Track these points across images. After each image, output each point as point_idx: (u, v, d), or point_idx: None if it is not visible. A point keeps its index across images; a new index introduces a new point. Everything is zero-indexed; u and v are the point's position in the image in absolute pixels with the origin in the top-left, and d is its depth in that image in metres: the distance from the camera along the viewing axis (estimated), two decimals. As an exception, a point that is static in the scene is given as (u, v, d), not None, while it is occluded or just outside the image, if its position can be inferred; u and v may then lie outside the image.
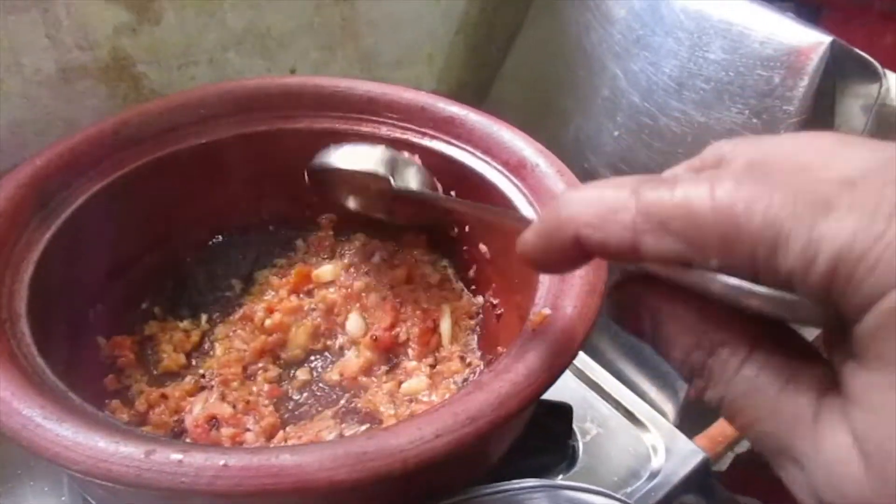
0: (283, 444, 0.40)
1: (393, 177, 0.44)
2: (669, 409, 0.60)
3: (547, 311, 0.35)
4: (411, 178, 0.45)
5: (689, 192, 0.20)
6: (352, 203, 0.50)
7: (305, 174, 0.47)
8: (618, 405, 0.53)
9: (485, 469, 0.37)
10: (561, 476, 0.48)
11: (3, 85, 0.53)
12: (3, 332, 0.33)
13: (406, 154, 0.48)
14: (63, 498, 0.45)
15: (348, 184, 0.48)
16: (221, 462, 0.27)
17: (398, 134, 0.50)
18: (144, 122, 0.46)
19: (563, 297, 0.36)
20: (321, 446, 0.28)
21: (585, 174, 0.64)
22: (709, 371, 0.22)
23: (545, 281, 0.39)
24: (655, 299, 0.23)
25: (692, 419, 0.58)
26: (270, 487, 0.27)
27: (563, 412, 0.47)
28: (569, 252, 0.23)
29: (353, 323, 0.49)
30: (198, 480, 0.27)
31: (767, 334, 0.21)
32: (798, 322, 0.21)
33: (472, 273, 0.51)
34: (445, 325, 0.48)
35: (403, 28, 0.74)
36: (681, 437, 0.51)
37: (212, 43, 0.62)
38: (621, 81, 0.62)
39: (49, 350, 0.36)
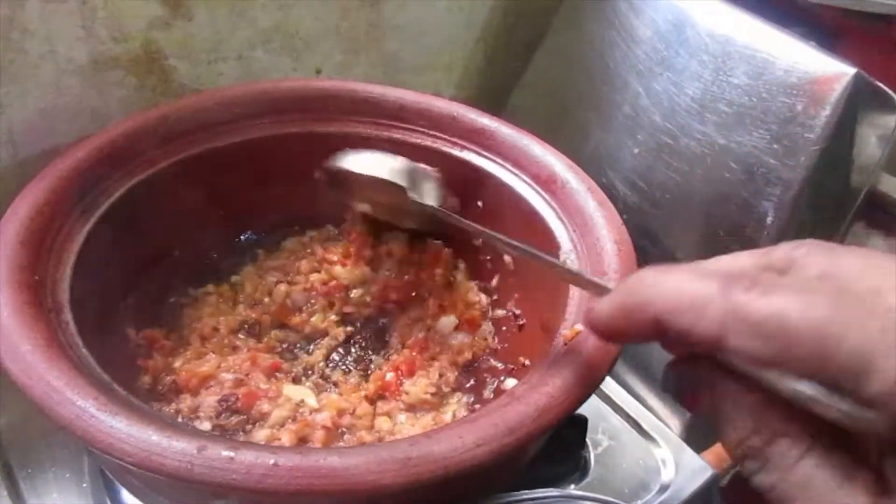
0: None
1: (410, 188, 0.45)
2: (675, 424, 0.61)
3: (579, 326, 0.36)
4: (428, 193, 0.46)
5: (784, 304, 0.21)
6: (365, 208, 0.51)
7: (322, 172, 0.48)
8: (628, 418, 0.54)
9: (512, 477, 0.38)
10: (573, 486, 0.49)
11: (37, 72, 0.54)
12: (50, 322, 0.34)
13: (426, 167, 0.48)
14: (84, 485, 0.45)
15: (364, 189, 0.49)
16: (271, 461, 0.28)
17: (428, 142, 0.51)
18: (182, 118, 0.47)
19: (596, 313, 0.37)
20: (367, 450, 0.29)
21: (603, 188, 0.65)
22: (765, 457, 0.23)
23: (574, 297, 0.40)
24: (720, 380, 0.24)
25: (697, 435, 0.59)
26: (317, 488, 0.28)
27: (578, 423, 0.48)
28: (645, 331, 0.24)
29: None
30: (248, 478, 0.27)
31: (826, 431, 0.22)
32: (856, 429, 0.22)
33: (494, 282, 0.52)
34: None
35: (426, 34, 0.75)
36: (689, 452, 0.52)
37: (241, 40, 0.63)
38: (643, 100, 0.63)
39: (87, 340, 0.36)
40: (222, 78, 0.63)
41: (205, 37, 0.61)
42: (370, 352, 0.50)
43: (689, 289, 0.23)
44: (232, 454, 0.28)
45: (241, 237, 0.53)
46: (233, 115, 0.49)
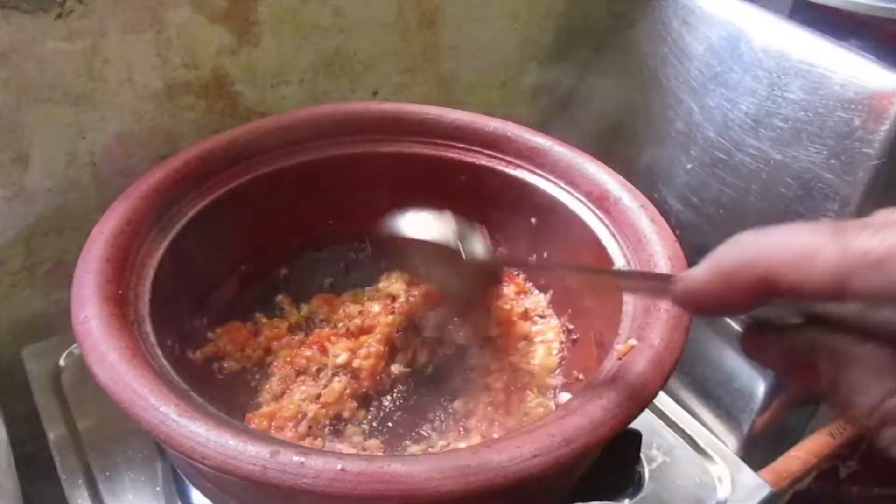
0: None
1: (461, 246, 0.44)
2: (732, 441, 0.61)
3: (633, 341, 0.37)
4: (478, 247, 0.45)
5: None
6: (421, 270, 0.49)
7: (368, 242, 0.49)
8: (683, 434, 0.54)
9: (567, 489, 0.38)
10: (627, 501, 0.50)
11: (116, 99, 0.57)
12: (132, 333, 0.37)
13: (471, 224, 0.48)
14: (158, 488, 0.48)
15: (417, 252, 0.47)
16: (339, 466, 0.29)
17: (483, 161, 0.52)
18: (252, 140, 0.50)
19: (649, 329, 0.37)
20: (429, 458, 0.30)
21: (655, 204, 0.66)
22: None
23: (628, 312, 0.40)
24: (841, 342, 0.23)
25: (754, 452, 0.59)
26: (381, 493, 0.29)
27: (632, 438, 0.49)
28: (749, 294, 0.23)
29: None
30: (317, 482, 0.29)
31: None
32: None
33: (548, 298, 0.52)
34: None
35: (481, 54, 0.76)
36: (746, 470, 0.52)
37: (303, 64, 0.65)
38: (696, 116, 0.64)
39: (164, 351, 0.39)
40: (285, 101, 0.66)
41: (269, 62, 0.64)
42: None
43: (798, 240, 0.22)
44: (302, 459, 0.29)
45: (304, 253, 0.55)
46: (300, 137, 0.51)
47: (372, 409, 0.48)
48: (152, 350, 0.37)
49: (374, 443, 0.45)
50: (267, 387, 0.48)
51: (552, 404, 0.47)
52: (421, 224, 0.45)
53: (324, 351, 0.50)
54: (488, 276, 0.48)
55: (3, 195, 0.55)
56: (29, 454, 0.53)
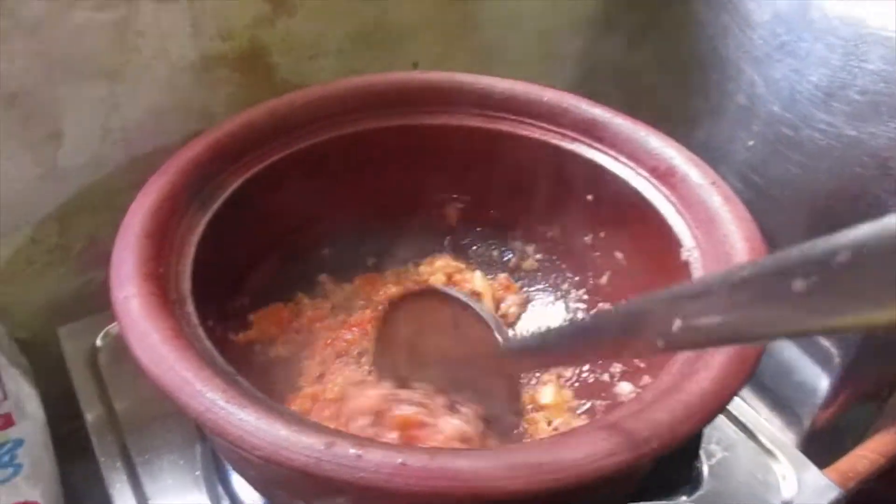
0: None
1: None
2: (791, 438, 0.58)
3: (711, 329, 0.34)
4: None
5: None
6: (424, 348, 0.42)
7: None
8: (745, 429, 0.51)
9: (634, 486, 0.36)
10: (685, 497, 0.47)
11: (149, 71, 0.55)
12: (174, 314, 0.35)
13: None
14: (197, 472, 0.46)
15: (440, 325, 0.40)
16: (399, 461, 0.27)
17: (537, 135, 0.49)
18: (292, 112, 0.47)
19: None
20: (497, 454, 0.28)
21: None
22: None
23: (701, 296, 0.37)
24: None
25: (817, 450, 0.55)
26: (445, 490, 0.27)
27: (693, 431, 0.46)
28: None
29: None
30: (376, 476, 0.27)
31: None
32: None
33: (604, 280, 0.50)
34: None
35: (523, 25, 0.73)
36: (812, 469, 0.49)
37: (341, 35, 0.63)
38: (760, 88, 0.60)
39: (207, 332, 0.37)
40: (322, 73, 0.63)
41: (306, 32, 0.61)
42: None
43: None
44: (360, 452, 0.27)
45: (345, 230, 0.53)
46: (340, 109, 0.49)
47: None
48: (195, 331, 0.35)
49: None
50: (307, 369, 0.46)
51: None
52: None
53: (366, 334, 0.48)
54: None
55: (37, 172, 0.54)
56: (66, 434, 0.52)
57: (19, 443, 0.47)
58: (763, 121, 0.59)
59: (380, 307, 0.48)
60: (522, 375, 0.44)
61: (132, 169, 0.57)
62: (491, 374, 0.37)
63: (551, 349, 0.32)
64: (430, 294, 0.40)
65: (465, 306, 0.37)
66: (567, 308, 0.52)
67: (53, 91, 0.51)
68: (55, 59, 0.50)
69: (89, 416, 0.49)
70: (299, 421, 0.29)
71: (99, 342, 0.54)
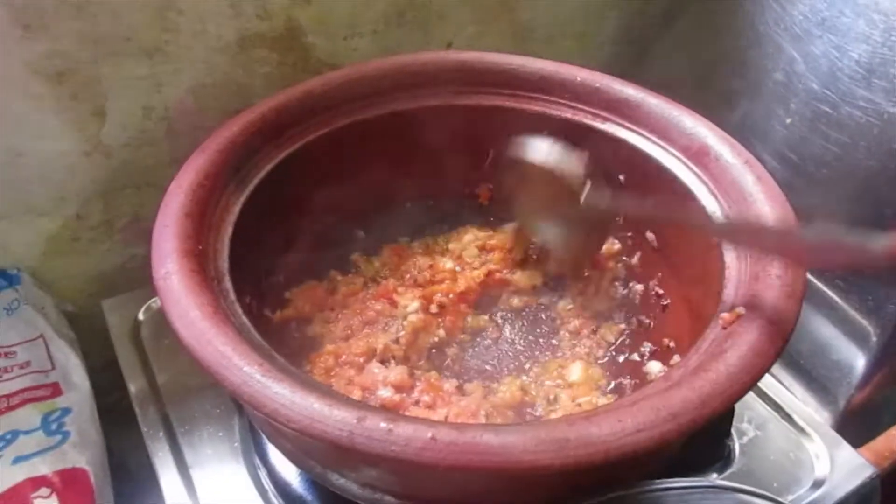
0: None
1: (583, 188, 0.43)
2: (826, 418, 0.57)
3: (741, 310, 0.34)
4: (595, 192, 0.44)
5: None
6: (529, 207, 0.49)
7: (490, 155, 0.47)
8: (777, 408, 0.51)
9: (664, 463, 0.36)
10: (716, 475, 0.47)
11: (189, 51, 0.56)
12: (212, 290, 0.36)
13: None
14: (235, 444, 0.48)
15: (533, 180, 0.46)
16: (429, 435, 0.28)
17: (569, 115, 0.49)
18: (326, 93, 0.48)
19: (759, 297, 0.34)
20: (525, 429, 0.28)
21: (748, 162, 0.62)
22: None
23: (731, 278, 0.37)
24: None
25: (851, 429, 0.55)
26: (474, 464, 0.28)
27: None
28: None
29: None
30: (406, 450, 0.28)
31: None
32: None
33: (635, 260, 0.50)
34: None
35: (558, 4, 0.72)
36: (846, 448, 0.49)
37: (376, 15, 0.63)
38: (799, 65, 0.59)
39: (245, 308, 0.38)
40: (356, 53, 0.63)
41: (342, 13, 0.61)
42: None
43: None
44: (391, 426, 0.28)
45: (377, 209, 0.54)
46: (375, 89, 0.49)
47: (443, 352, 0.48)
48: (232, 307, 0.36)
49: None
50: (332, 333, 0.47)
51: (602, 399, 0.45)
52: (550, 152, 0.44)
53: (393, 304, 0.49)
54: (598, 226, 0.46)
55: (82, 149, 0.55)
56: (113, 404, 0.54)
57: (67, 411, 0.49)
58: (801, 98, 0.58)
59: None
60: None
61: (172, 147, 0.59)
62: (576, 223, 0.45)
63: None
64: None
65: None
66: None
67: (97, 69, 0.53)
68: (98, 37, 0.51)
69: (132, 388, 0.51)
70: (332, 395, 0.30)
71: (141, 316, 0.56)
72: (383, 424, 0.28)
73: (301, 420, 0.29)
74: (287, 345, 0.46)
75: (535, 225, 0.49)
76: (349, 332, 0.47)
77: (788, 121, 0.59)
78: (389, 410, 0.31)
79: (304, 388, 0.30)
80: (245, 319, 0.36)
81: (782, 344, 0.32)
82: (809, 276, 0.59)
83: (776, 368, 0.61)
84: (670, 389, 0.30)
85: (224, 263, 0.38)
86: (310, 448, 0.34)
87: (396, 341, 0.46)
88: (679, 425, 0.29)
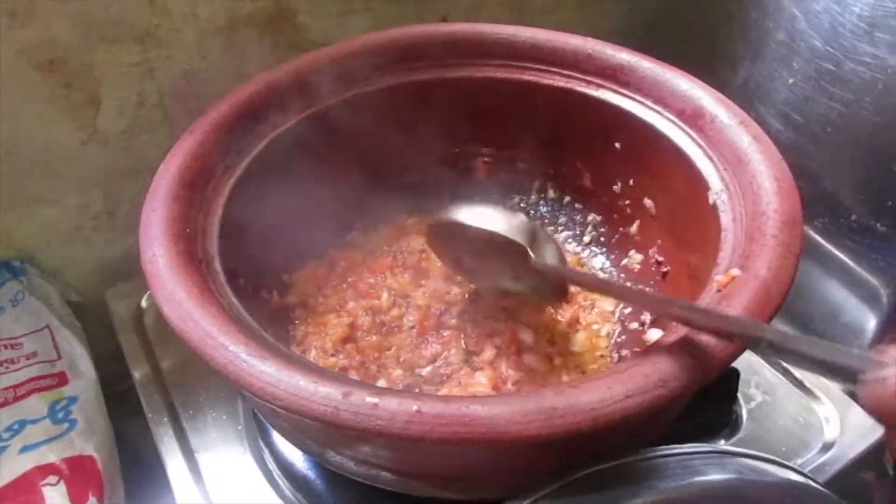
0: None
1: (531, 249, 0.40)
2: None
3: (736, 271, 0.33)
4: (549, 255, 0.40)
5: None
6: (469, 264, 0.46)
7: (431, 226, 0.45)
8: (786, 372, 0.50)
9: (660, 431, 0.36)
10: (723, 442, 0.47)
11: (180, 35, 0.56)
12: (201, 271, 0.36)
13: (544, 229, 0.47)
14: (239, 427, 0.48)
15: (474, 246, 0.43)
16: (414, 408, 0.28)
17: (562, 83, 0.48)
18: (316, 70, 0.47)
19: (755, 258, 0.33)
20: (511, 399, 0.28)
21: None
22: None
23: (728, 240, 0.37)
24: None
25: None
26: (462, 436, 0.27)
27: (728, 376, 0.45)
28: None
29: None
30: (392, 424, 0.27)
31: None
32: None
33: (633, 228, 0.49)
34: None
35: (556, -28, 0.71)
36: (857, 410, 0.48)
37: (370, -10, 0.62)
38: (800, 23, 0.57)
39: (235, 289, 0.38)
40: (350, 31, 0.63)
41: (334, -11, 0.61)
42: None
43: None
44: (376, 400, 0.28)
45: (376, 189, 0.53)
46: (365, 65, 0.49)
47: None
48: (222, 288, 0.36)
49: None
50: (324, 304, 0.48)
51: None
52: (487, 217, 0.41)
53: (384, 278, 0.49)
54: (553, 288, 0.43)
55: (79, 138, 0.55)
56: (121, 393, 0.55)
57: (73, 400, 0.50)
58: (804, 57, 0.57)
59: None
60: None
61: (170, 133, 0.59)
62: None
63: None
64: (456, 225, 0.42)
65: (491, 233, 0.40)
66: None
67: (90, 56, 0.53)
68: (90, 21, 0.51)
69: (137, 374, 0.51)
70: (318, 372, 0.30)
71: (144, 303, 0.56)
72: (369, 399, 0.28)
73: (287, 398, 0.29)
74: (286, 327, 0.46)
75: (493, 286, 0.47)
76: (341, 304, 0.48)
77: (791, 81, 0.58)
78: (377, 387, 0.30)
79: (289, 366, 0.30)
80: (234, 300, 0.35)
81: (778, 304, 0.32)
82: (818, 238, 0.57)
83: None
84: (660, 355, 0.29)
85: (213, 245, 0.38)
86: (303, 426, 0.34)
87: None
88: (670, 391, 0.28)
